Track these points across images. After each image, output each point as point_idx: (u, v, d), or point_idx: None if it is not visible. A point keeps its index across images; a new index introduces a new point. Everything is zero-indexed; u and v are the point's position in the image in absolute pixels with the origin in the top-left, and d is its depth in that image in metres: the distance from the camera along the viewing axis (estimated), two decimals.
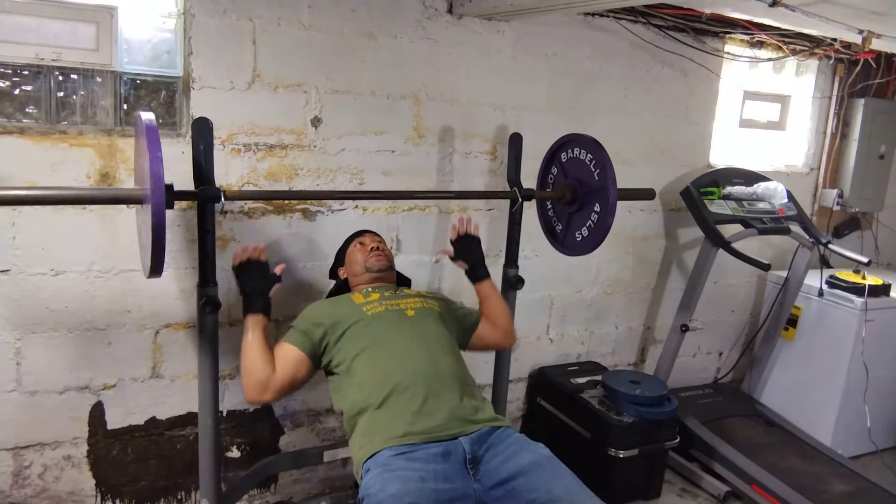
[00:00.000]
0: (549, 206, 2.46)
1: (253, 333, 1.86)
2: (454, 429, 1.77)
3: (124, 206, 2.12)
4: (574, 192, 2.26)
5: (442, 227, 2.71)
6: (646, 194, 2.48)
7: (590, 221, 2.21)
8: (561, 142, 2.36)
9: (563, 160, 2.34)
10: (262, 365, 1.84)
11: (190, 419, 2.39)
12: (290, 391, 1.93)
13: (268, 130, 2.31)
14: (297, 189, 2.38)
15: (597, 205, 2.17)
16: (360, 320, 1.97)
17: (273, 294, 1.97)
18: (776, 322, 3.37)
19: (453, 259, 2.33)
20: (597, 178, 2.17)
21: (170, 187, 1.63)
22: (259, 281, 1.92)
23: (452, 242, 2.33)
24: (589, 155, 2.22)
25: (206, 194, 1.80)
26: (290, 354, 1.91)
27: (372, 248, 2.18)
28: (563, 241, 2.37)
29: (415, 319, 2.01)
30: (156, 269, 1.55)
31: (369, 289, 2.13)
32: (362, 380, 1.87)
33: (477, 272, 2.28)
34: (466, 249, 2.30)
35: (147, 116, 1.57)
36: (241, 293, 1.94)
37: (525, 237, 2.44)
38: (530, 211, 2.51)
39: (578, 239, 2.27)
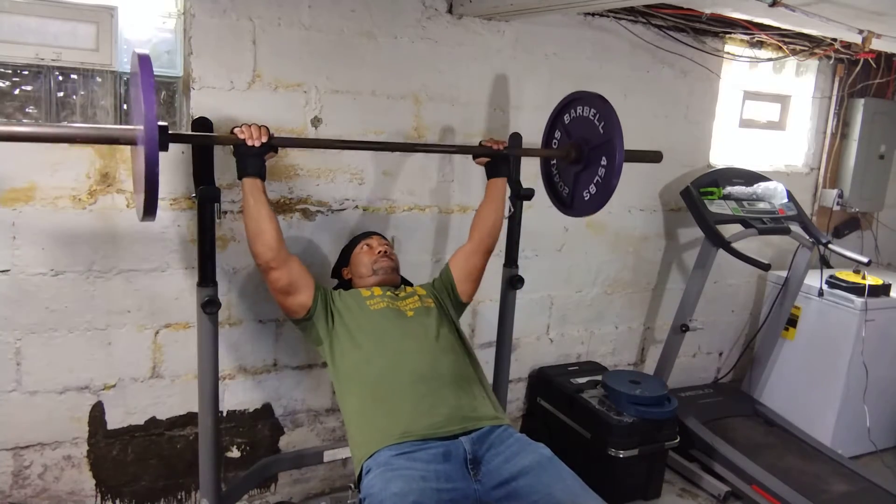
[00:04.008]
0: (556, 173, 2.40)
1: (256, 197, 1.84)
2: (454, 426, 1.77)
3: (125, 207, 2.13)
4: (579, 151, 2.19)
5: (442, 226, 2.71)
6: (652, 156, 2.39)
7: (597, 177, 2.14)
8: (564, 102, 2.30)
9: (567, 122, 2.29)
10: (274, 229, 1.86)
11: (190, 419, 2.39)
12: (288, 284, 1.93)
13: None
14: (296, 191, 2.38)
15: (603, 158, 2.11)
16: (364, 310, 2.00)
17: (267, 159, 1.90)
18: (776, 322, 3.37)
19: (477, 155, 2.24)
20: (602, 132, 2.11)
21: (164, 127, 1.55)
22: (260, 148, 1.83)
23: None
24: (593, 110, 2.16)
25: (206, 194, 1.80)
26: (307, 272, 2.00)
27: (380, 252, 2.19)
28: (571, 203, 2.31)
29: (414, 320, 2.02)
30: (149, 210, 1.51)
31: (373, 288, 2.14)
32: (360, 375, 1.88)
33: (499, 167, 2.23)
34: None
35: (140, 50, 1.52)
36: (235, 155, 1.85)
37: (525, 237, 2.44)
38: (530, 211, 2.51)
39: (586, 198, 2.20)
